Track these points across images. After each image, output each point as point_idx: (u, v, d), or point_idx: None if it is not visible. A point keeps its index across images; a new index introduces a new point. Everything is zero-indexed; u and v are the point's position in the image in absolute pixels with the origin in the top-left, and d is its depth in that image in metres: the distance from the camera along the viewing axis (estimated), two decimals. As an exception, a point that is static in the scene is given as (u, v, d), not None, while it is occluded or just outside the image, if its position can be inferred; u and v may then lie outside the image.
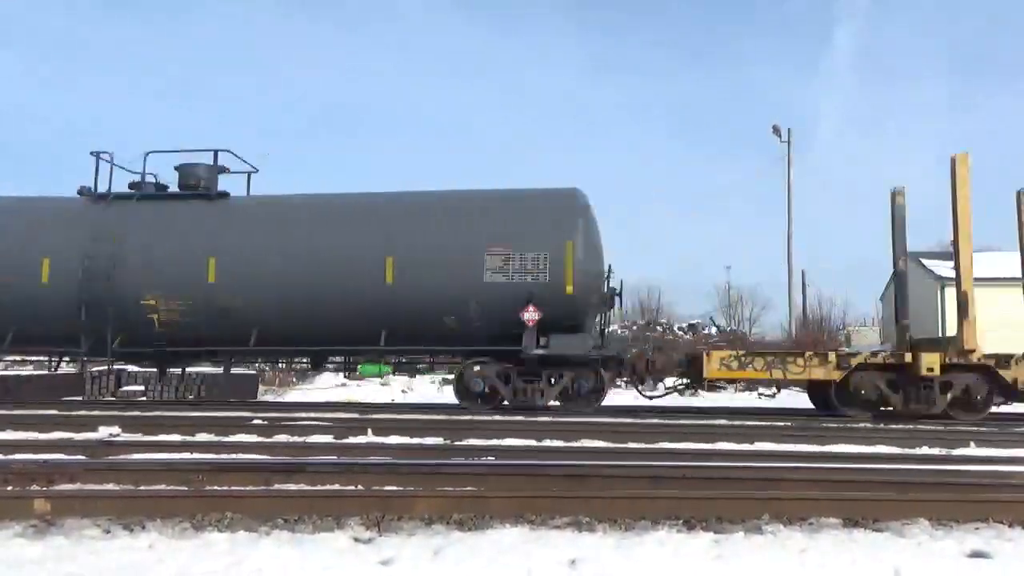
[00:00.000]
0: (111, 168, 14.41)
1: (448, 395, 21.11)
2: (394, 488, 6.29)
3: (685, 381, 13.87)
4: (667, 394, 14.36)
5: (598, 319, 14.05)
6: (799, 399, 15.85)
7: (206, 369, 18.74)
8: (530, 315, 12.63)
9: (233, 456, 7.86)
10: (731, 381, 14.21)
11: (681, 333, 23.80)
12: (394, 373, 23.92)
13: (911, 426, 11.55)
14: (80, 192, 14.51)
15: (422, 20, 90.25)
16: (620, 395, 21.98)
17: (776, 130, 30.41)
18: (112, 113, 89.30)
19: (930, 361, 12.74)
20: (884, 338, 36.47)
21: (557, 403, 13.25)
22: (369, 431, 9.74)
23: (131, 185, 14.54)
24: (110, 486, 6.44)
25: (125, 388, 18.43)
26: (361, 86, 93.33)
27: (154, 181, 14.65)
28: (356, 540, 5.14)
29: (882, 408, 13.07)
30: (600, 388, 13.17)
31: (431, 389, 22.68)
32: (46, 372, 17.63)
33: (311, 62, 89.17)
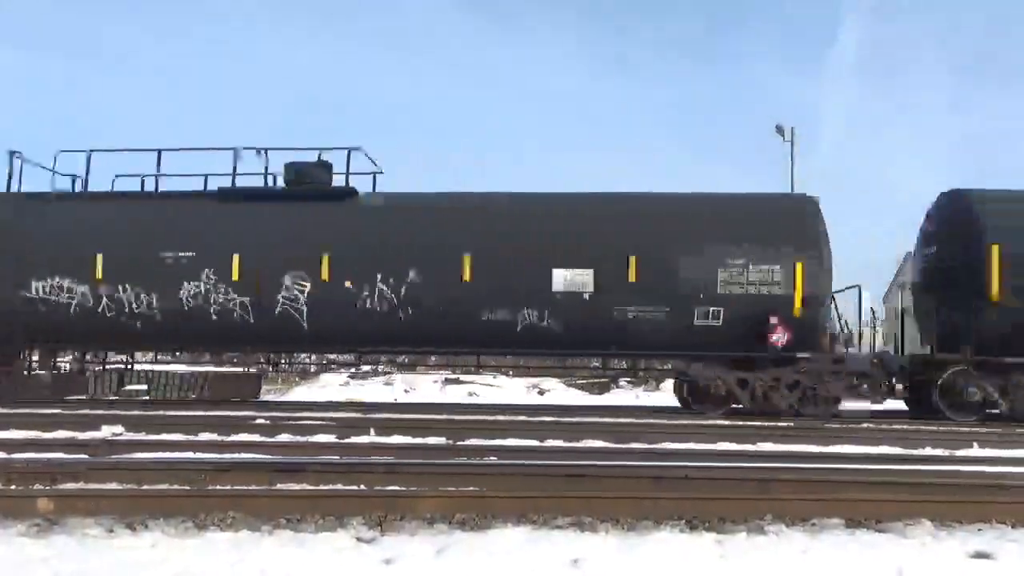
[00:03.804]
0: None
1: (451, 395, 21.18)
2: (396, 488, 6.30)
3: None
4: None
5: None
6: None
7: (208, 368, 18.76)
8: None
9: (236, 455, 7.87)
10: None
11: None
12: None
13: (913, 427, 11.55)
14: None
15: (422, 18, 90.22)
16: (623, 394, 21.99)
17: (779, 130, 30.37)
18: (116, 114, 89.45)
19: None
20: (886, 339, 36.39)
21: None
22: (372, 431, 9.76)
23: None
24: (113, 485, 6.46)
25: (127, 387, 18.43)
26: (359, 84, 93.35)
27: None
28: (359, 540, 5.15)
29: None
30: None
31: (433, 389, 22.68)
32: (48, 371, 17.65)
33: (308, 58, 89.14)
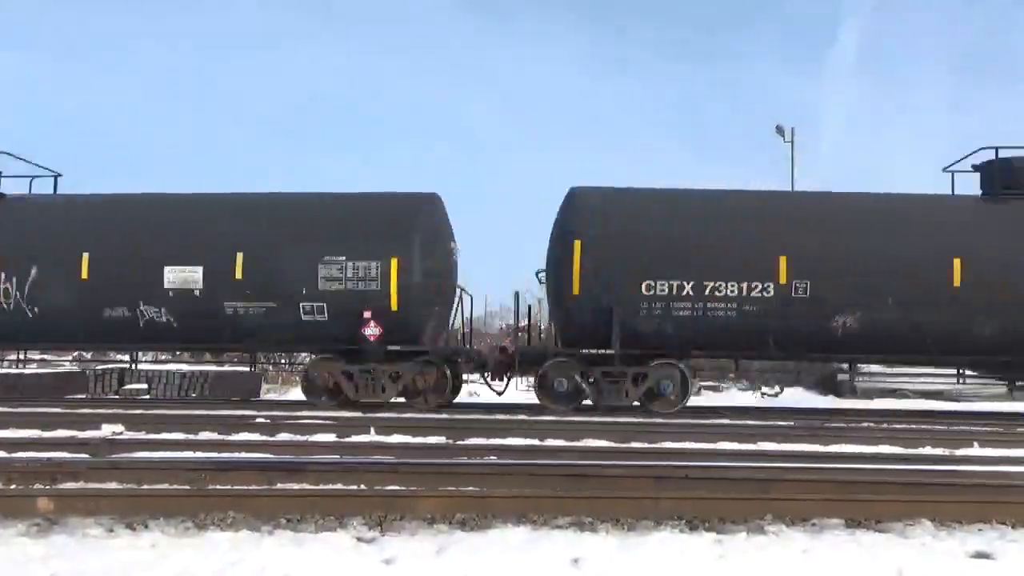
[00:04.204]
0: None
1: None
2: (396, 487, 6.29)
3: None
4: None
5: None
6: (802, 399, 15.87)
7: (210, 368, 18.78)
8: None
9: (236, 455, 7.87)
10: None
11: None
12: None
13: (914, 426, 11.55)
14: None
15: (422, 18, 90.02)
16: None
17: (780, 130, 30.33)
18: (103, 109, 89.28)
19: None
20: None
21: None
22: (372, 430, 9.76)
23: None
24: (113, 485, 6.46)
25: (128, 386, 18.45)
26: (356, 84, 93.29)
27: None
28: (359, 539, 5.15)
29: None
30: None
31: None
32: (49, 370, 17.69)
33: (305, 58, 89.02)
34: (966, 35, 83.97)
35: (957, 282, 12.56)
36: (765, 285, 12.72)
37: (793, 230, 13.07)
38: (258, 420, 10.73)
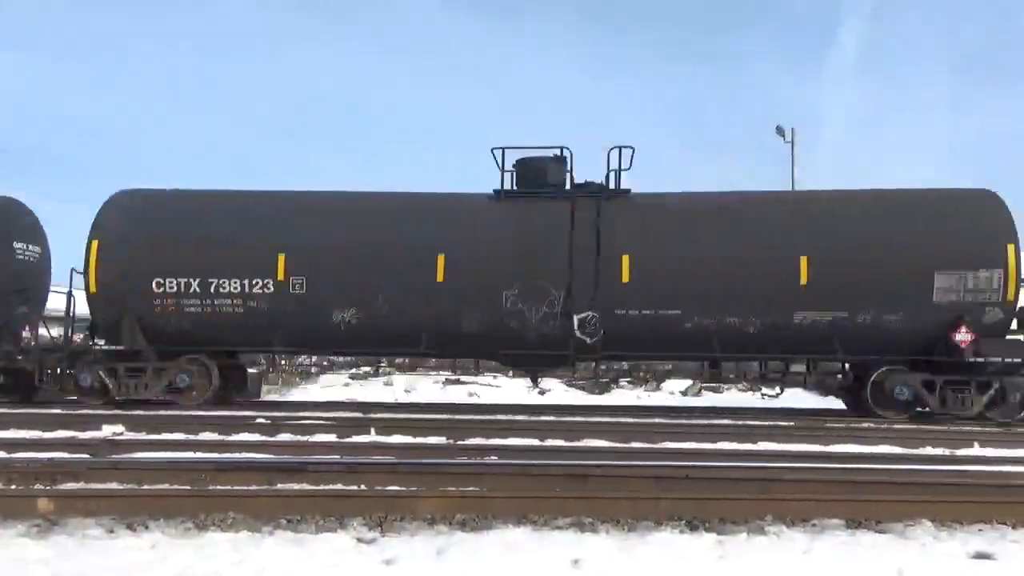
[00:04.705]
0: None
1: (451, 395, 21.19)
2: (397, 488, 6.30)
3: None
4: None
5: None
6: (802, 399, 15.87)
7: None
8: None
9: (236, 455, 7.87)
10: None
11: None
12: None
13: (914, 426, 11.54)
14: None
15: (420, 17, 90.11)
16: (624, 394, 22.00)
17: (780, 130, 30.32)
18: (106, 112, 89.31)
19: None
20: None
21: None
22: (372, 430, 9.76)
23: None
24: (113, 485, 6.46)
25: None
26: (356, 84, 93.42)
27: None
28: (359, 540, 5.15)
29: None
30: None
31: (434, 389, 22.67)
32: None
33: (305, 58, 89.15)
34: (966, 35, 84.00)
35: (441, 277, 12.88)
36: (265, 282, 13.07)
37: (291, 228, 13.36)
38: (258, 420, 10.72)
